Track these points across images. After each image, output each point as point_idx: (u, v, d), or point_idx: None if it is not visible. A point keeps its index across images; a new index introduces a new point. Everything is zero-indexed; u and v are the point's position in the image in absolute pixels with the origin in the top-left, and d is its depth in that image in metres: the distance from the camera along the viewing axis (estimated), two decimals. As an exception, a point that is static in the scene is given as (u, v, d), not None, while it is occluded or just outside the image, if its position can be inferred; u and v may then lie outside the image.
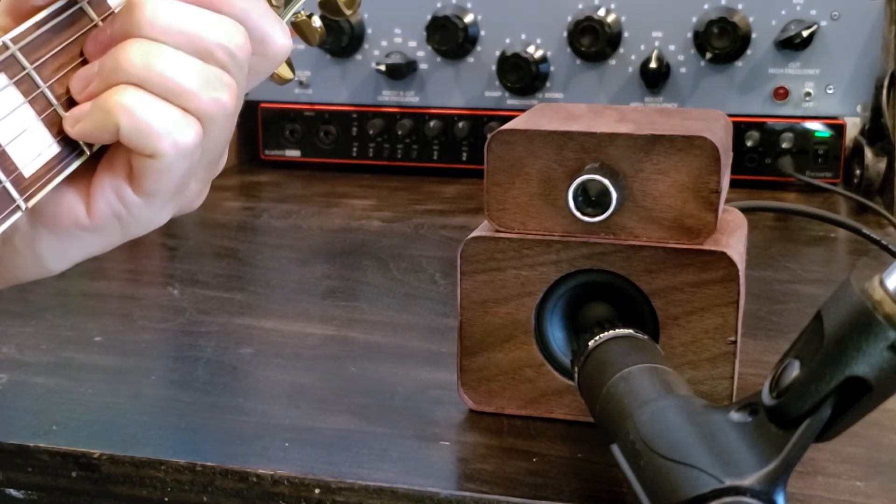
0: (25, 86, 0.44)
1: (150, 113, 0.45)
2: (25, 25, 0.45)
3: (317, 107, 1.23)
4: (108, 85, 0.45)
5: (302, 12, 0.57)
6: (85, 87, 0.46)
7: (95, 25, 0.46)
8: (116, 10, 0.47)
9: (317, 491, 0.52)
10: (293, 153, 1.24)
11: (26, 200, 0.44)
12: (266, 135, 1.24)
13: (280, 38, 0.50)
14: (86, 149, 0.46)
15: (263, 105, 1.23)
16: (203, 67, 0.46)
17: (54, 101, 0.45)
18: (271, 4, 0.53)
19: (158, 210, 0.49)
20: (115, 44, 0.46)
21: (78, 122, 0.45)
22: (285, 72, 0.56)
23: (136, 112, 0.45)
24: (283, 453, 0.55)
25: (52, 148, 0.45)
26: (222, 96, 0.47)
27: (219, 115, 0.47)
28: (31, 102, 0.44)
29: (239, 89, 0.48)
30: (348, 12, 0.58)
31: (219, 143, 0.49)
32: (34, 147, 0.45)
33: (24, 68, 0.44)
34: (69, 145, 0.46)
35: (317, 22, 0.58)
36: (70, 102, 0.46)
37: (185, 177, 0.48)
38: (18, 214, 0.44)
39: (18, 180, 0.44)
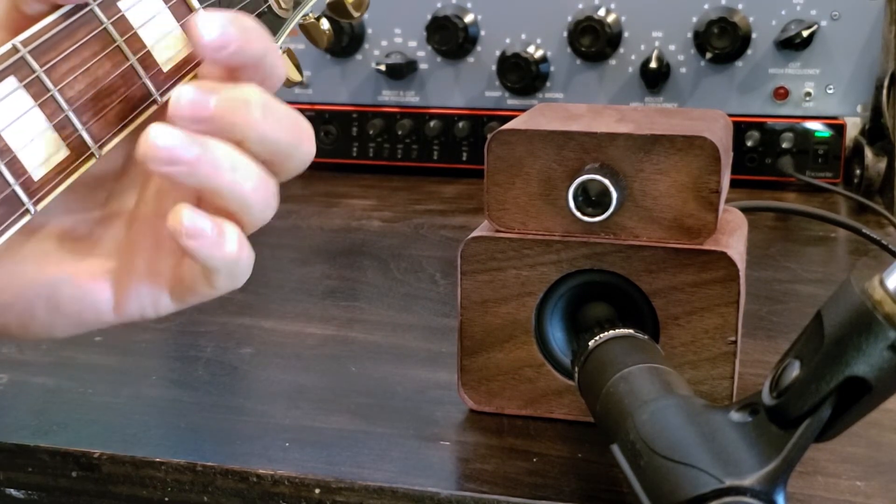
0: (35, 89, 0.44)
1: (246, 258, 0.45)
2: (35, 28, 0.45)
3: (317, 107, 1.23)
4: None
5: (310, 14, 0.57)
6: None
7: (105, 28, 0.46)
8: (126, 13, 0.47)
9: (317, 491, 0.52)
10: (293, 153, 1.24)
11: (35, 204, 0.44)
12: (266, 135, 1.24)
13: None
14: (96, 152, 0.46)
15: (263, 105, 1.22)
16: (275, 188, 0.46)
17: (64, 104, 0.45)
18: (280, 7, 0.53)
19: (184, 307, 0.49)
20: (215, 134, 0.44)
21: (196, 242, 0.44)
22: (293, 74, 0.56)
23: (240, 259, 0.45)
24: (283, 453, 0.55)
25: (62, 152, 0.45)
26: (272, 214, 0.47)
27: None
28: (41, 106, 0.44)
29: None
30: (356, 14, 0.58)
31: None
32: (44, 150, 0.45)
33: (33, 71, 0.44)
34: (79, 149, 0.46)
35: (325, 24, 0.58)
36: (80, 105, 0.46)
37: None
38: (28, 218, 0.44)
39: (28, 184, 0.44)
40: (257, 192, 0.45)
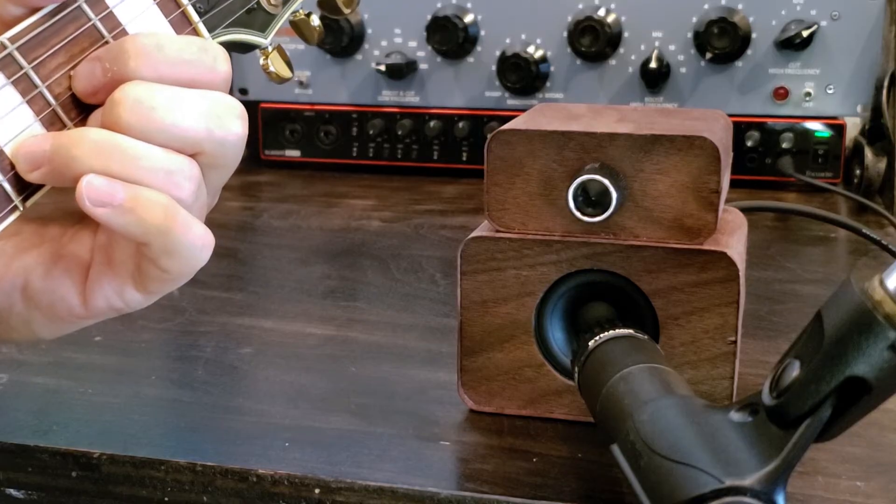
0: (23, 85, 0.44)
1: (182, 231, 0.45)
2: (23, 24, 0.45)
3: (317, 107, 1.22)
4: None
5: (301, 11, 0.57)
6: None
7: (94, 24, 0.46)
8: (114, 9, 0.47)
9: (317, 491, 0.52)
10: (293, 153, 1.24)
11: (24, 201, 0.44)
12: (266, 135, 1.24)
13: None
14: None
15: (263, 105, 1.23)
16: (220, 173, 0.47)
17: (52, 100, 0.45)
18: (269, 3, 0.53)
19: (155, 298, 0.49)
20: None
21: (104, 210, 0.43)
22: (284, 70, 0.56)
23: (172, 232, 0.44)
24: (283, 453, 0.55)
25: None
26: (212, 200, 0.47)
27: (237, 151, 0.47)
28: (29, 102, 0.44)
29: None
30: (347, 11, 0.58)
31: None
32: None
33: (21, 67, 0.44)
34: None
35: (315, 21, 0.57)
36: (68, 102, 0.46)
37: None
38: (16, 214, 0.44)
39: (16, 179, 0.44)
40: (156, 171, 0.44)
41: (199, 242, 0.46)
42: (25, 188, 0.44)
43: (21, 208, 0.44)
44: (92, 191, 0.43)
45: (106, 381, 0.64)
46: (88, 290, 0.48)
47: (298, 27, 0.57)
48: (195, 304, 0.78)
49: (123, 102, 0.43)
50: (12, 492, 0.57)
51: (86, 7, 0.46)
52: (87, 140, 0.43)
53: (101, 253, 0.48)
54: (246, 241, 0.99)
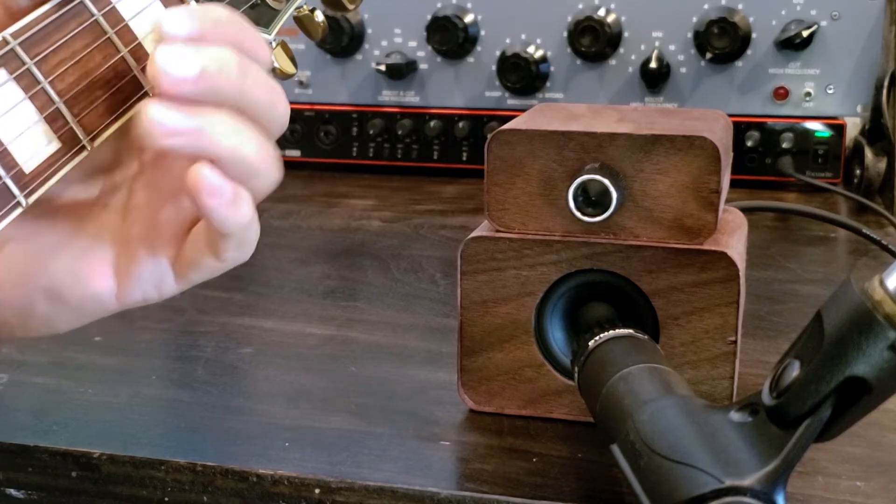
0: (26, 81, 0.44)
1: (255, 226, 0.46)
2: (26, 20, 0.45)
3: (317, 107, 1.23)
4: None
5: (304, 7, 0.57)
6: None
7: (96, 20, 0.46)
8: (116, 5, 0.47)
9: (317, 491, 0.52)
10: (293, 153, 1.24)
11: (27, 197, 0.44)
12: (266, 135, 1.24)
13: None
14: (87, 144, 0.46)
15: (263, 105, 1.22)
16: (268, 150, 0.46)
17: (55, 96, 0.45)
18: None
19: (186, 288, 0.49)
20: (206, 98, 0.44)
21: (216, 201, 0.44)
22: (288, 66, 0.56)
23: (251, 225, 0.46)
24: (283, 453, 0.55)
25: (53, 144, 0.45)
26: (277, 177, 0.47)
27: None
28: (31, 98, 0.44)
29: None
30: (351, 7, 0.58)
31: None
32: (35, 143, 0.44)
33: (24, 63, 0.44)
34: (70, 141, 0.46)
35: (319, 16, 0.57)
36: (71, 98, 0.46)
37: None
38: (19, 211, 0.44)
39: (19, 176, 0.44)
40: (260, 154, 0.45)
41: (257, 235, 0.47)
42: (28, 185, 0.44)
43: (24, 204, 0.44)
44: (205, 182, 0.43)
45: (106, 381, 0.64)
46: (125, 283, 0.47)
47: (302, 23, 0.57)
48: (195, 304, 0.78)
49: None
50: (12, 492, 0.57)
51: (88, 2, 0.46)
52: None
53: (141, 240, 0.47)
54: (246, 241, 0.99)
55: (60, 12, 0.45)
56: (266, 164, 0.46)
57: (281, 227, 1.01)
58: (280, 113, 0.47)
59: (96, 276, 0.47)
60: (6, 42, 0.44)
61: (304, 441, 0.56)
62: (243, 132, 0.44)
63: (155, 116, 0.42)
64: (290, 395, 0.62)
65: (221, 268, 0.47)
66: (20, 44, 0.44)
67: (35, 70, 0.44)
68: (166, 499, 0.55)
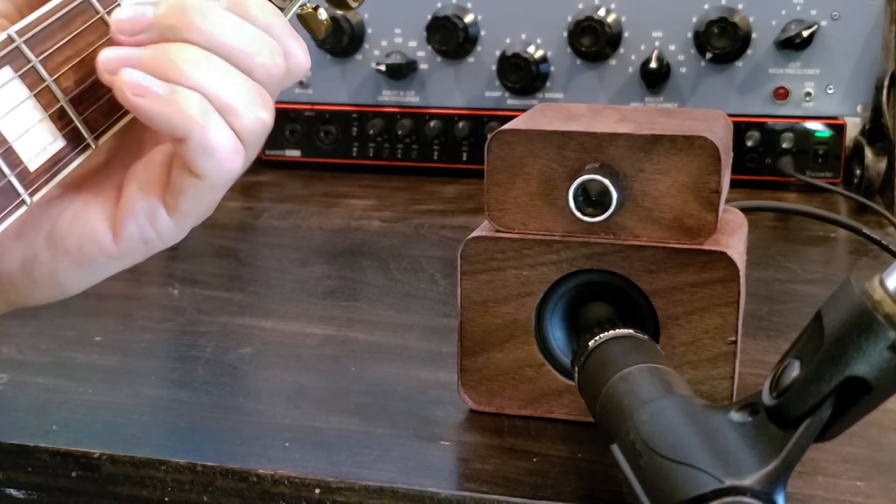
0: (31, 79, 0.44)
1: (216, 129, 0.45)
2: (31, 18, 0.45)
3: (317, 107, 1.22)
4: (161, 75, 0.45)
5: (308, 4, 0.57)
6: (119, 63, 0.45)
7: (101, 18, 0.46)
8: (122, 3, 0.47)
9: (317, 491, 0.52)
10: (293, 153, 1.24)
11: (31, 195, 0.44)
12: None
13: (302, 55, 0.50)
14: (92, 143, 0.46)
15: (263, 105, 1.22)
16: (248, 85, 0.46)
17: (60, 94, 0.45)
18: None
19: (185, 229, 0.49)
20: (161, 40, 0.45)
21: (144, 100, 0.45)
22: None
23: (208, 128, 0.45)
24: (283, 453, 0.55)
25: (58, 142, 0.45)
26: (264, 115, 0.47)
27: (260, 133, 0.47)
28: (36, 96, 0.44)
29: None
30: (354, 4, 0.58)
31: (250, 161, 0.49)
32: (39, 141, 0.44)
33: (29, 61, 0.44)
34: (75, 139, 0.46)
35: (323, 14, 0.57)
36: (76, 96, 0.46)
37: (220, 198, 0.48)
38: (24, 209, 0.44)
39: (24, 174, 0.44)
40: (227, 84, 0.45)
41: (231, 146, 0.46)
42: (33, 183, 0.44)
43: (28, 203, 0.44)
44: (132, 81, 0.44)
45: (106, 381, 0.64)
46: (119, 221, 0.48)
47: (306, 20, 0.57)
48: (195, 304, 0.78)
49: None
50: (12, 492, 0.57)
51: (94, 0, 0.46)
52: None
53: (131, 176, 0.48)
54: (246, 241, 0.99)
55: (65, 10, 0.45)
56: (241, 96, 0.46)
57: (281, 227, 1.01)
58: (261, 62, 0.47)
59: (91, 211, 0.48)
60: (11, 40, 0.44)
61: (304, 441, 0.56)
62: (208, 62, 0.45)
63: (104, 55, 0.45)
64: (290, 395, 0.62)
65: (206, 186, 0.47)
66: (25, 42, 0.44)
67: (40, 68, 0.44)
68: (166, 499, 0.55)
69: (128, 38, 0.45)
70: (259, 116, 0.46)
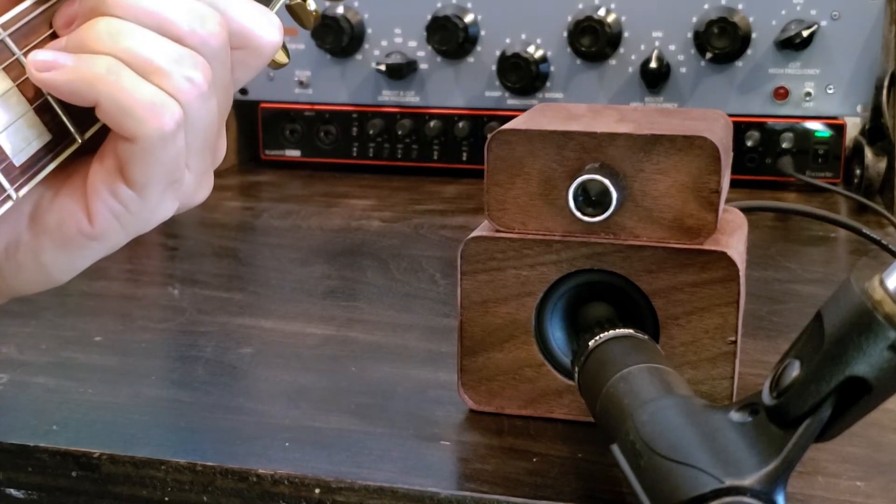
0: (15, 72, 0.44)
1: (130, 86, 0.45)
2: (15, 11, 0.45)
3: (317, 107, 1.23)
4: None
5: None
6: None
7: None
8: None
9: (317, 491, 0.52)
10: (293, 153, 1.24)
11: (17, 190, 0.44)
12: (266, 135, 1.24)
13: (265, 32, 0.49)
14: (77, 136, 0.46)
15: (263, 105, 1.23)
16: (173, 47, 0.46)
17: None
18: None
19: (157, 204, 0.48)
20: (85, 19, 0.45)
21: (49, 73, 0.44)
22: (281, 56, 0.56)
23: (120, 86, 0.44)
24: (283, 453, 0.55)
25: (44, 136, 0.45)
26: (195, 75, 0.46)
27: (193, 95, 0.46)
28: (21, 89, 0.44)
29: (216, 75, 0.47)
30: None
31: (201, 130, 0.48)
32: (25, 135, 0.44)
33: (13, 54, 0.44)
34: (61, 133, 0.45)
35: (312, 5, 0.57)
36: None
37: (174, 164, 0.47)
38: (9, 204, 0.44)
39: (9, 169, 0.44)
40: (146, 47, 0.45)
41: (150, 102, 0.45)
42: (18, 178, 0.44)
43: (14, 198, 0.44)
44: (37, 60, 0.44)
45: (106, 381, 0.64)
46: (89, 199, 0.47)
47: (295, 11, 0.57)
48: (195, 304, 0.78)
49: None
50: (12, 492, 0.57)
51: None
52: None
53: (96, 154, 0.48)
54: (246, 241, 0.99)
55: (49, 3, 0.45)
56: (164, 62, 0.45)
57: (281, 227, 1.01)
58: (189, 29, 0.46)
59: (68, 190, 0.47)
60: None
61: (304, 441, 0.56)
62: (124, 36, 0.45)
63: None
64: (290, 394, 0.62)
65: (142, 149, 0.46)
66: (10, 35, 0.44)
67: (25, 61, 0.44)
68: (166, 499, 0.55)
69: (65, 29, 0.46)
70: (188, 75, 0.46)
